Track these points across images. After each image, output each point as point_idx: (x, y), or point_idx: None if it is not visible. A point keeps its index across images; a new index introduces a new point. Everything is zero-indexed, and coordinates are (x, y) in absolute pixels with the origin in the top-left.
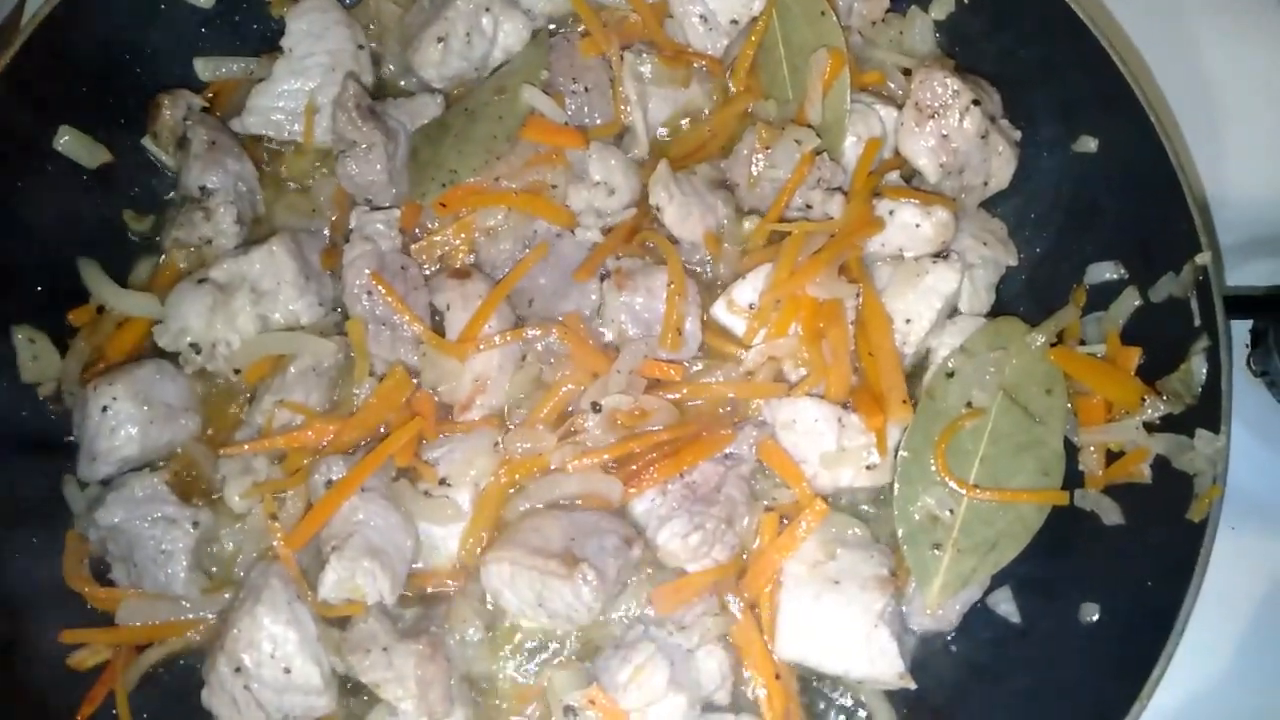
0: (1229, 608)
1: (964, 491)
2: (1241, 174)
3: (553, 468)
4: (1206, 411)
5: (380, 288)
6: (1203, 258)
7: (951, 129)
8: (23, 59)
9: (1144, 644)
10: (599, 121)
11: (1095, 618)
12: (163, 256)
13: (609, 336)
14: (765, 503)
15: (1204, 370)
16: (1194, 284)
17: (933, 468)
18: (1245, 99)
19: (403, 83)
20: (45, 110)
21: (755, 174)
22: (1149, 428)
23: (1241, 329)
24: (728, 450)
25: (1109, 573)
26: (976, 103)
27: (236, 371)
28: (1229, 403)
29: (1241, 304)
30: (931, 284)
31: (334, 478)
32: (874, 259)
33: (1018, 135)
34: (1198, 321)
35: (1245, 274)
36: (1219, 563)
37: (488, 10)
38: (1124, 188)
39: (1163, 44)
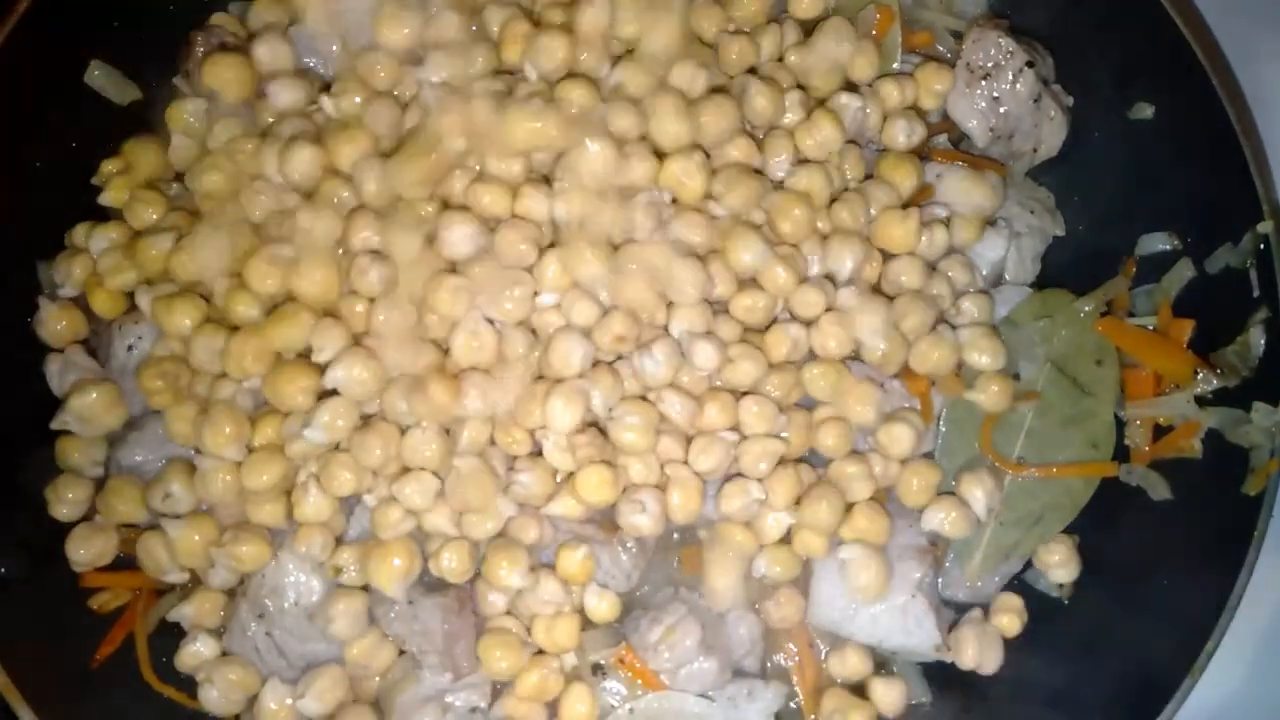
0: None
1: (1006, 470)
2: None
3: None
4: (1264, 384)
5: None
6: (1264, 226)
7: (1003, 91)
8: None
9: (1194, 620)
10: None
11: (1143, 592)
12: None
13: None
14: None
15: (1262, 342)
16: (1254, 253)
17: (975, 441)
18: None
19: None
20: (76, 45)
21: None
22: (1200, 401)
23: None
24: None
25: (1158, 548)
26: (1030, 64)
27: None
28: None
29: None
30: (978, 250)
31: None
32: None
33: (1070, 101)
34: (1256, 293)
35: None
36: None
37: None
38: (1181, 156)
39: (1227, 12)
